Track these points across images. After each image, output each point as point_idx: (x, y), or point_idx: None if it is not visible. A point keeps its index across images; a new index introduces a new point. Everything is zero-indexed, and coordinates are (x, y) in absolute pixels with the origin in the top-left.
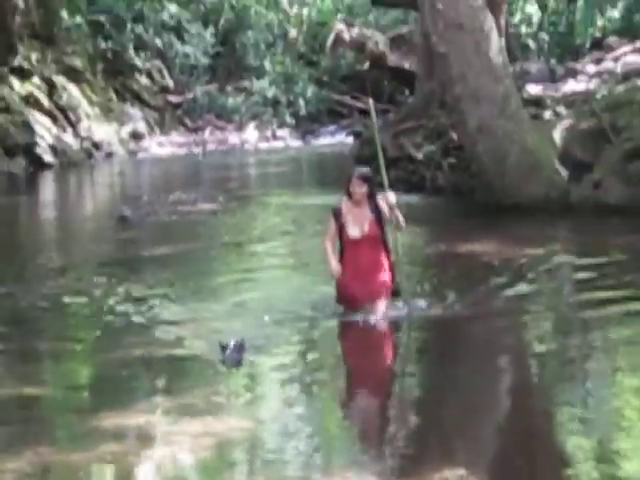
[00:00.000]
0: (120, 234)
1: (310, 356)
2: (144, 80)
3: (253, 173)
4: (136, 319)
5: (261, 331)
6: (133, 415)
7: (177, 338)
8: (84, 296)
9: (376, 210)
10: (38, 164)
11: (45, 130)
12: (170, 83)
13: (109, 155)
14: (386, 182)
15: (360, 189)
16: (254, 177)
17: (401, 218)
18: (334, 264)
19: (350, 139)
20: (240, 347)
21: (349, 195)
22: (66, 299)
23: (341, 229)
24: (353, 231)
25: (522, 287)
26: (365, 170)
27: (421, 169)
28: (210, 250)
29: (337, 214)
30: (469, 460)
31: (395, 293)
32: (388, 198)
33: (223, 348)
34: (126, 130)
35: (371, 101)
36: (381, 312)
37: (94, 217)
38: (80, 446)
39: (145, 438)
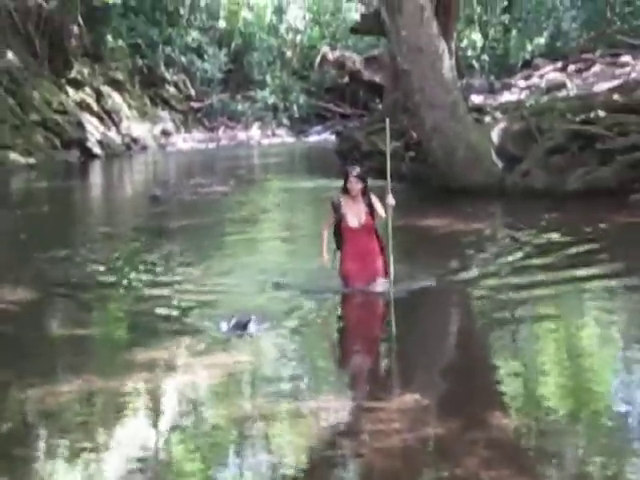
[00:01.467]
0: (152, 209)
1: (309, 313)
2: (172, 90)
3: (257, 162)
4: (163, 276)
5: (262, 292)
6: (160, 351)
7: (196, 291)
8: (123, 257)
9: (369, 205)
10: (88, 155)
11: (94, 128)
12: (192, 92)
13: (144, 148)
14: (389, 187)
15: (357, 186)
16: (258, 166)
17: (389, 214)
18: (326, 257)
19: (332, 137)
20: (243, 325)
21: (346, 191)
22: (109, 260)
23: (340, 220)
24: (352, 222)
25: (472, 254)
26: (360, 170)
27: None
28: (222, 223)
29: (336, 207)
30: (423, 389)
31: (387, 272)
32: (390, 200)
33: (226, 322)
34: (157, 129)
35: (387, 121)
36: (375, 287)
37: (132, 196)
38: (118, 374)
39: (169, 368)
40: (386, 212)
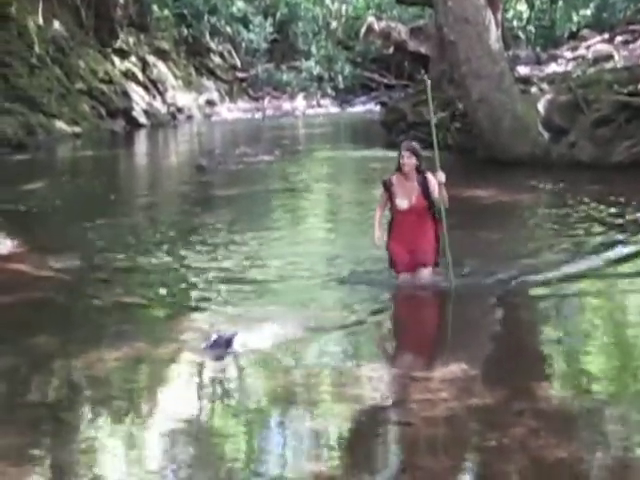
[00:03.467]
0: (198, 178)
1: (357, 295)
2: (217, 59)
3: (302, 133)
4: (205, 244)
5: (307, 270)
6: (200, 320)
7: (237, 262)
8: (169, 225)
9: (424, 183)
10: (134, 124)
11: (139, 98)
12: (237, 62)
13: (189, 118)
14: (438, 162)
15: (409, 160)
16: (302, 136)
17: (445, 196)
18: (377, 234)
19: (377, 107)
20: (227, 342)
21: (399, 168)
22: (156, 227)
23: (391, 199)
24: (401, 202)
25: (516, 225)
26: (413, 144)
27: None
28: (268, 192)
29: (387, 185)
30: (470, 359)
31: (436, 264)
32: (439, 176)
33: (211, 338)
34: (202, 98)
35: (428, 82)
36: (423, 278)
37: (178, 165)
38: (163, 342)
39: (210, 337)
40: (438, 191)
